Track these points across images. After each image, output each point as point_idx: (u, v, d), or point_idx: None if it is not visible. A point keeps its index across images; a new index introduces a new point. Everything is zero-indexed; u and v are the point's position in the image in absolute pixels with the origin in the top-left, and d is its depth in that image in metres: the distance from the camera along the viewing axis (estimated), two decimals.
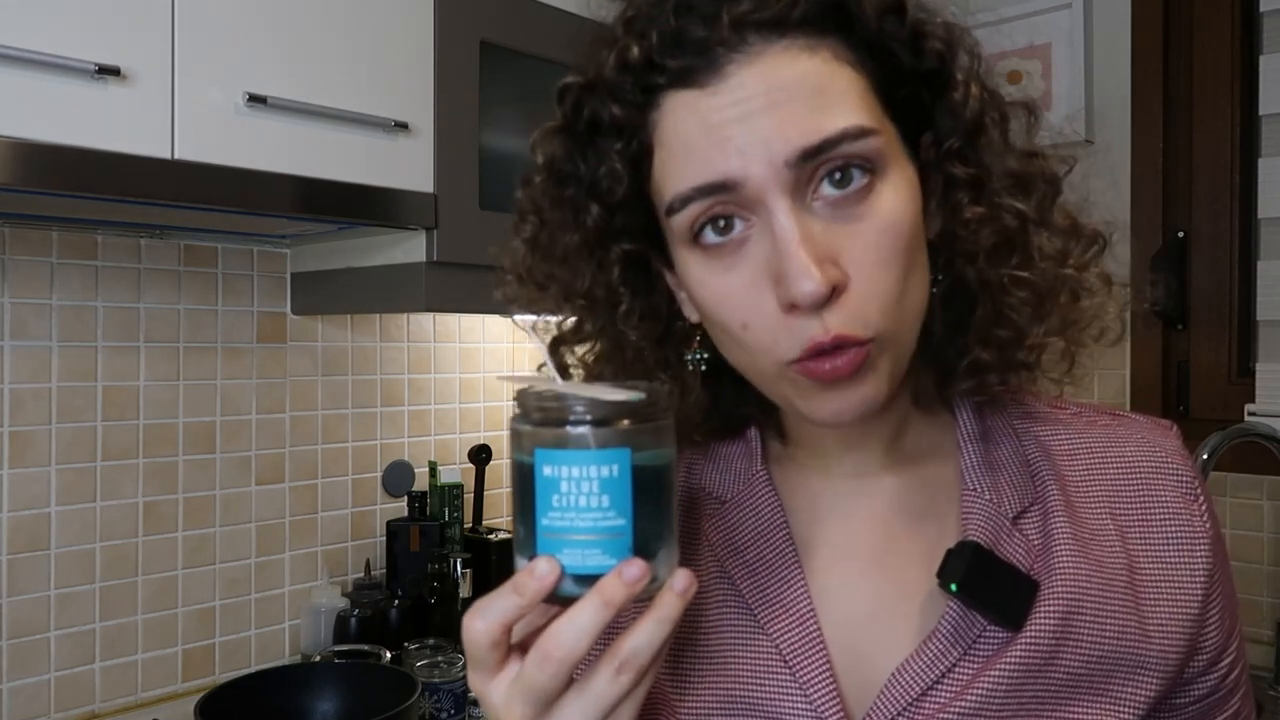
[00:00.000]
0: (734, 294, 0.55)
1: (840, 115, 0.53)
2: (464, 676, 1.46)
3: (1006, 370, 0.62)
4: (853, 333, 0.53)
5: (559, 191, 0.61)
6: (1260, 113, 1.64)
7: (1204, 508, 0.64)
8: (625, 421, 0.46)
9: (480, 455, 1.80)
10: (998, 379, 0.62)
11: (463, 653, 1.52)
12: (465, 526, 1.78)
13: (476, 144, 1.38)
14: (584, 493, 0.45)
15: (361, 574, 1.70)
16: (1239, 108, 1.73)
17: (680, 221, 0.55)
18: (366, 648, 1.50)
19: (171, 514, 1.49)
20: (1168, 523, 0.63)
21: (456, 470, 1.81)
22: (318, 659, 1.50)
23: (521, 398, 0.48)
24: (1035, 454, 0.65)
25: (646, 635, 0.46)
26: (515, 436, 0.48)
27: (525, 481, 0.47)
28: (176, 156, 1.09)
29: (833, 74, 0.53)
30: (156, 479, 1.47)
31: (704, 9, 0.54)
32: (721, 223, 0.55)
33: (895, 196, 0.54)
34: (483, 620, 0.47)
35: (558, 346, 0.65)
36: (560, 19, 1.48)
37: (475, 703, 1.48)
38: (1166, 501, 0.64)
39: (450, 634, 1.60)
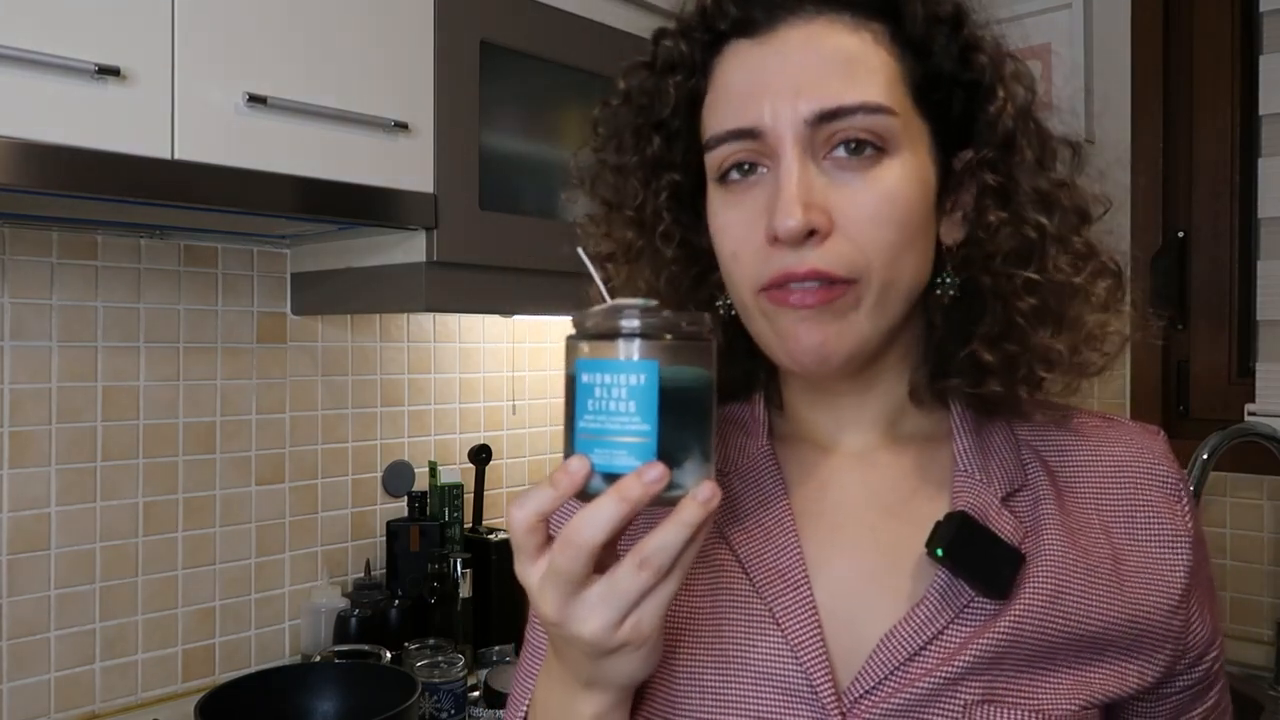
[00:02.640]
0: (733, 225, 0.62)
1: (862, 90, 0.59)
2: (464, 676, 1.47)
3: (1006, 376, 0.64)
4: (830, 269, 0.58)
5: (630, 118, 0.69)
6: (1260, 113, 1.64)
7: (1187, 508, 0.67)
8: (657, 336, 0.51)
9: (480, 455, 1.80)
10: (997, 382, 0.64)
11: (462, 653, 1.54)
12: (465, 526, 1.78)
13: (476, 144, 1.38)
14: (614, 398, 0.50)
15: (361, 574, 1.70)
16: (1239, 108, 1.74)
17: (713, 159, 0.63)
18: (366, 648, 1.50)
19: (171, 514, 1.49)
20: (1151, 520, 0.66)
21: (456, 470, 1.81)
22: (318, 659, 1.50)
23: (575, 316, 0.53)
24: (1026, 449, 0.68)
25: (667, 536, 0.49)
26: (567, 350, 0.53)
27: (570, 389, 0.52)
28: (176, 156, 1.09)
29: (867, 53, 0.60)
30: (156, 479, 1.48)
31: None
32: (746, 166, 0.61)
33: (901, 173, 0.60)
34: (520, 509, 0.51)
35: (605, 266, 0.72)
36: (560, 19, 1.47)
37: (475, 703, 1.48)
38: (1151, 501, 0.67)
39: (450, 634, 1.60)
